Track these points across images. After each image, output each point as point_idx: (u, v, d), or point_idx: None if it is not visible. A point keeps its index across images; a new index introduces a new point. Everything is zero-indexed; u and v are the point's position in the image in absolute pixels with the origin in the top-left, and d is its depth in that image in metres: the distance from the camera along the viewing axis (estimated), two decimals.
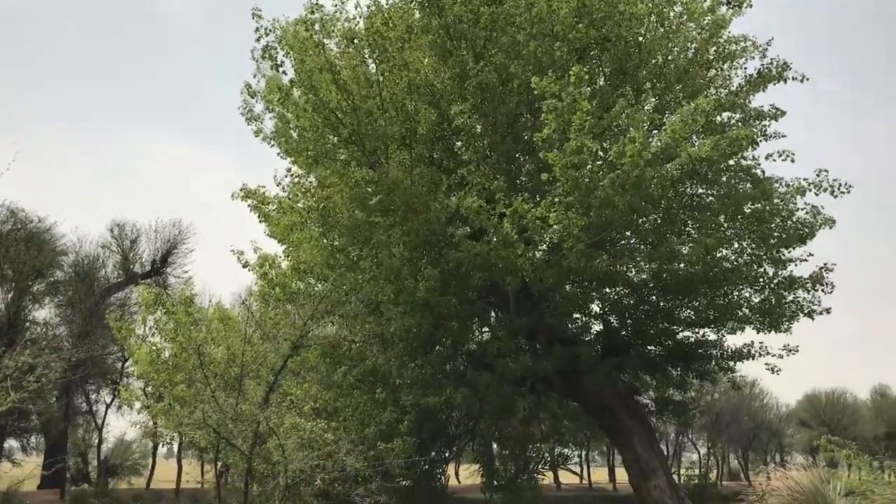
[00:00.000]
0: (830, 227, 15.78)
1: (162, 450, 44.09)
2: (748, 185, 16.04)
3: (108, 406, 37.64)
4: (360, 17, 17.02)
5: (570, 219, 13.38)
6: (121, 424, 46.46)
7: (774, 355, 17.30)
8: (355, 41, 16.07)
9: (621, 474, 35.65)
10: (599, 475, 57.09)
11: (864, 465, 16.11)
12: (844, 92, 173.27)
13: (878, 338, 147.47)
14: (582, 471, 51.93)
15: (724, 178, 16.00)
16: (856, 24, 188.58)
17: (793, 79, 16.51)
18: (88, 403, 38.01)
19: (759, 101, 17.04)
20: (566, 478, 44.03)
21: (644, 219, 15.81)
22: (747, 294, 16.86)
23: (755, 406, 64.85)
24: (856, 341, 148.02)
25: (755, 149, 16.32)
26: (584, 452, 50.92)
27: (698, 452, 65.58)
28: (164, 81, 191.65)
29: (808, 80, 16.39)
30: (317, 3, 15.90)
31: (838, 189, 15.47)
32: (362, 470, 12.97)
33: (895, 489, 13.27)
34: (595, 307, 18.49)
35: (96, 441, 37.77)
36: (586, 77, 13.91)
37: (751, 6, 16.62)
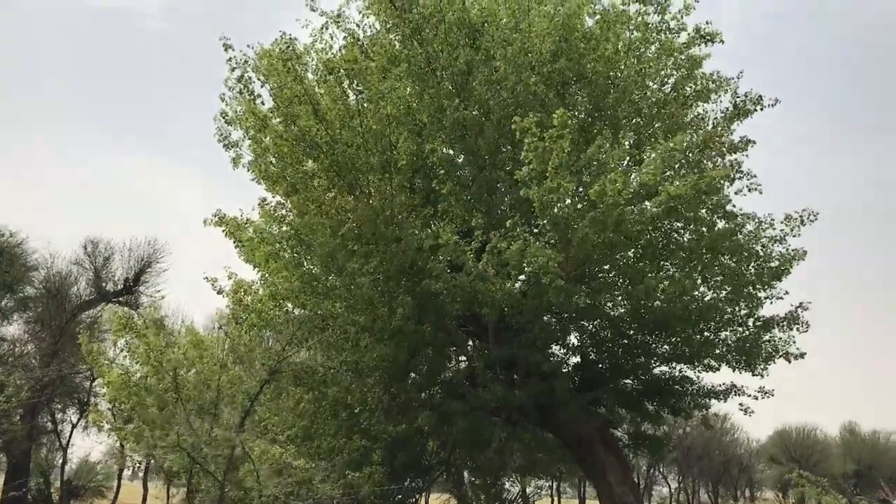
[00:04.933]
0: (802, 260, 15.96)
1: (126, 472, 43.32)
2: (723, 222, 16.15)
3: (73, 426, 36.92)
4: (338, 49, 17.06)
5: (548, 256, 13.46)
6: (86, 444, 45.58)
7: (749, 395, 17.35)
8: (333, 72, 15.96)
9: None
10: None
11: (834, 503, 16.20)
12: (812, 129, 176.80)
13: (848, 375, 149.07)
14: (553, 502, 51.68)
15: (702, 212, 16.07)
16: (822, 63, 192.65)
17: (768, 105, 16.87)
18: (54, 423, 37.19)
19: (733, 135, 17.29)
20: None
21: (622, 254, 15.86)
22: (724, 334, 16.86)
23: (726, 441, 65.11)
24: (826, 379, 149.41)
25: (730, 185, 16.48)
26: (555, 484, 50.74)
27: (668, 486, 65.58)
28: (141, 99, 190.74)
29: (780, 102, 16.82)
30: (291, 38, 15.99)
31: (807, 219, 15.77)
32: (336, 498, 12.83)
33: None
34: (573, 339, 18.48)
35: (60, 461, 36.98)
36: (569, 121, 14.08)
37: (722, 42, 16.98)
